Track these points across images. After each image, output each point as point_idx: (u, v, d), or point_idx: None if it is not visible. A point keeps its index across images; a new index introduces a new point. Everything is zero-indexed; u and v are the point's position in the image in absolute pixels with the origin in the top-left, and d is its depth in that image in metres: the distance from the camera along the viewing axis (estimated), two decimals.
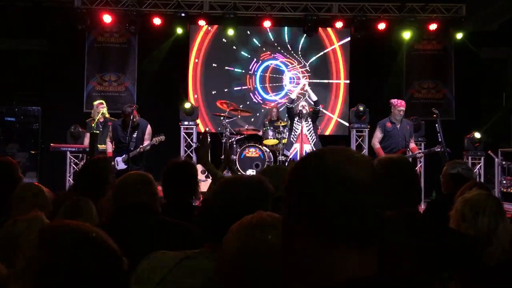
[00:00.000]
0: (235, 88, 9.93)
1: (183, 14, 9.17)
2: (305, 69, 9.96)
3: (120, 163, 6.50)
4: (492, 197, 2.09)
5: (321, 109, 7.73)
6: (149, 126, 6.70)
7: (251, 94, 9.97)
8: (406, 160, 2.31)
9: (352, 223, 0.83)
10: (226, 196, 1.41)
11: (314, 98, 7.34)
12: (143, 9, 9.25)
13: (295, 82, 9.99)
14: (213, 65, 9.90)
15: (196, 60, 9.86)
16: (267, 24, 9.45)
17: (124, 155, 6.42)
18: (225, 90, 9.89)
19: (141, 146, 6.51)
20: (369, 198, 0.85)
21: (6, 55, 9.46)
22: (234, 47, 9.90)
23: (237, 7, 9.32)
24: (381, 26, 9.42)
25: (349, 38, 9.85)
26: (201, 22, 9.46)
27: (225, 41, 9.83)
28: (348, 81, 9.92)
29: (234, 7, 9.31)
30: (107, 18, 9.16)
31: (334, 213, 0.84)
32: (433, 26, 9.46)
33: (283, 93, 9.95)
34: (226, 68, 9.91)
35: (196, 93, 9.86)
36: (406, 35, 9.42)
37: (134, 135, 6.50)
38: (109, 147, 6.69)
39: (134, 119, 6.40)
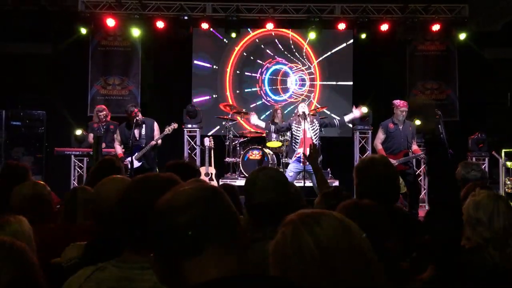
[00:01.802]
0: (246, 90, 9.99)
1: (186, 17, 9.20)
2: (309, 71, 9.97)
3: (134, 162, 6.54)
4: (502, 197, 2.08)
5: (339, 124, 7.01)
6: (155, 123, 6.81)
7: (259, 95, 10.00)
8: (383, 159, 2.38)
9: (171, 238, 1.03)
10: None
11: (337, 123, 6.87)
12: (146, 12, 9.29)
13: (299, 84, 10.01)
14: (217, 67, 9.94)
15: (199, 63, 9.89)
16: (269, 26, 9.46)
17: (136, 153, 6.50)
18: (229, 93, 9.91)
19: (153, 140, 6.61)
20: (186, 218, 1.03)
21: (11, 59, 9.50)
22: (239, 49, 9.91)
23: (239, 10, 9.34)
24: (384, 27, 9.41)
25: (352, 40, 9.85)
26: (204, 25, 9.49)
27: (229, 43, 9.87)
28: (351, 83, 9.91)
29: (237, 9, 9.33)
30: (110, 22, 9.21)
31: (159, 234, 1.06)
32: (436, 27, 9.44)
33: (288, 94, 10.01)
34: (230, 70, 9.94)
35: (199, 96, 9.88)
36: (409, 36, 9.41)
37: (143, 133, 6.60)
38: (118, 149, 6.74)
39: (137, 117, 6.46)
